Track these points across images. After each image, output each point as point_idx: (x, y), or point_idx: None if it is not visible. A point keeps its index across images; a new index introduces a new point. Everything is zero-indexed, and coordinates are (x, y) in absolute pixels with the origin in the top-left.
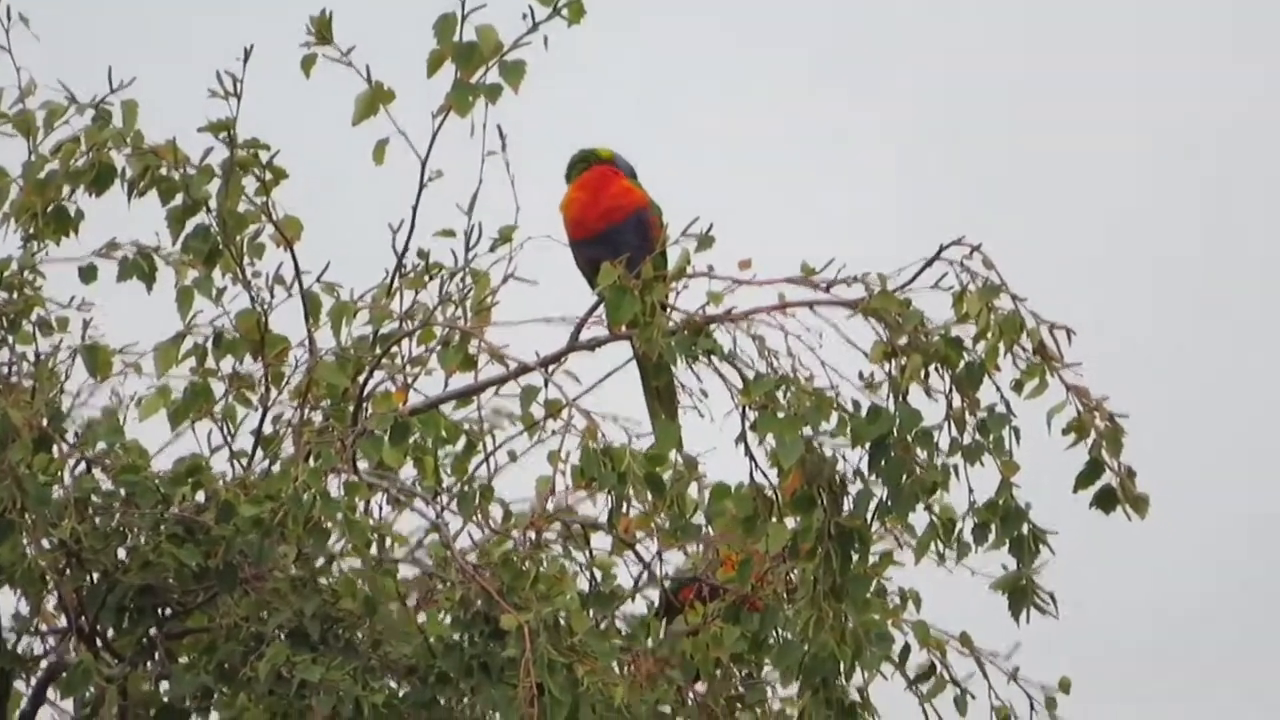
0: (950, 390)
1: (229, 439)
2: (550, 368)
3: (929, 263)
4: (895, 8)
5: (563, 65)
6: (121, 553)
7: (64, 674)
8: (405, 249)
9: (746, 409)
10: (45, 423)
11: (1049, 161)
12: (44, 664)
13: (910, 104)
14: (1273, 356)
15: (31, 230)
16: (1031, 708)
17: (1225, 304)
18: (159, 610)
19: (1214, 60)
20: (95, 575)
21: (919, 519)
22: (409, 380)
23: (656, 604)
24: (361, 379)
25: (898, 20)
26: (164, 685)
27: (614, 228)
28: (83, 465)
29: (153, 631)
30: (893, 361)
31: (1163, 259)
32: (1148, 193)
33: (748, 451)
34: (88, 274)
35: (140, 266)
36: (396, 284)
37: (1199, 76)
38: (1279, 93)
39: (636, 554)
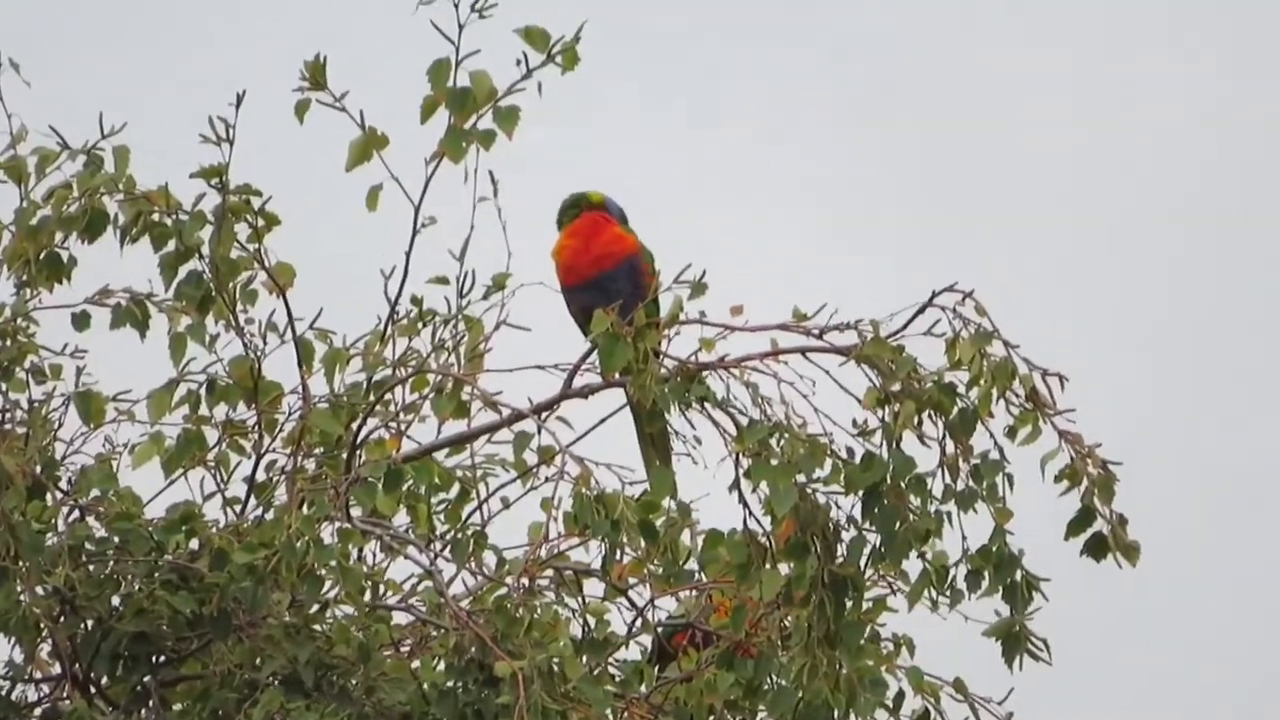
0: (943, 437)
1: (222, 486)
2: (543, 414)
3: (921, 309)
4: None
5: (553, 104)
6: (115, 600)
7: None
8: (398, 295)
9: (740, 456)
10: (38, 470)
11: (1048, 162)
12: (38, 712)
13: (907, 107)
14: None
15: (24, 277)
16: None
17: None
18: (153, 658)
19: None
20: (89, 623)
21: (913, 566)
22: (402, 427)
23: (649, 650)
24: (355, 426)
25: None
26: None
27: (605, 274)
28: (76, 513)
29: (147, 679)
30: (886, 408)
31: (1168, 257)
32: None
33: (741, 498)
34: (81, 321)
35: (133, 313)
36: (390, 331)
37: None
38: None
39: (630, 600)
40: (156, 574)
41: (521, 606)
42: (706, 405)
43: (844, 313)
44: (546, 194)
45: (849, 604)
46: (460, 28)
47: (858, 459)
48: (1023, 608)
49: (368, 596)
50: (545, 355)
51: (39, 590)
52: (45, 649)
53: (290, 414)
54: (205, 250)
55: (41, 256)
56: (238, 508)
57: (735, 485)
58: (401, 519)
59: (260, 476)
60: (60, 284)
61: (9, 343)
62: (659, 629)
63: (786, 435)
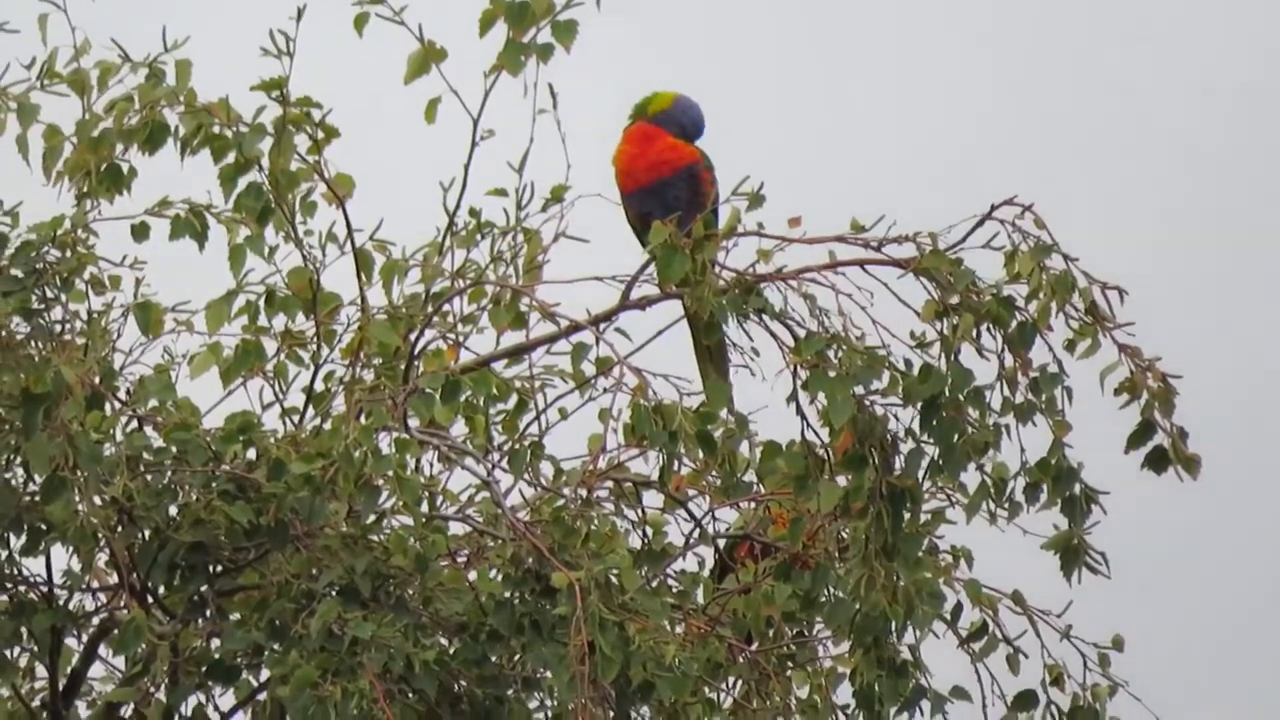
0: (1002, 349)
1: (280, 396)
2: (601, 325)
3: (980, 222)
4: None
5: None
6: (173, 510)
7: (116, 631)
8: (457, 207)
9: (798, 367)
10: (97, 380)
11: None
12: (96, 621)
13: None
14: None
15: (85, 188)
16: (1085, 666)
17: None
18: (210, 567)
19: None
20: (147, 532)
21: (970, 478)
22: (460, 338)
23: (712, 564)
24: (413, 337)
25: None
26: (215, 642)
27: (663, 180)
28: (134, 423)
29: (204, 588)
30: (944, 320)
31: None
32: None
33: (799, 410)
34: (140, 232)
35: (192, 224)
36: (448, 242)
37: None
38: None
39: (688, 511)
40: (214, 484)
41: (579, 517)
42: (764, 317)
43: (903, 224)
44: (609, 103)
45: (906, 516)
46: None
47: (916, 371)
48: (1081, 520)
49: (425, 507)
50: (603, 267)
51: (97, 500)
52: (103, 558)
53: (348, 325)
54: (264, 162)
55: (102, 168)
56: (295, 418)
57: (793, 397)
58: (459, 429)
59: (318, 387)
60: (120, 195)
61: (69, 253)
62: (717, 541)
63: (844, 346)
